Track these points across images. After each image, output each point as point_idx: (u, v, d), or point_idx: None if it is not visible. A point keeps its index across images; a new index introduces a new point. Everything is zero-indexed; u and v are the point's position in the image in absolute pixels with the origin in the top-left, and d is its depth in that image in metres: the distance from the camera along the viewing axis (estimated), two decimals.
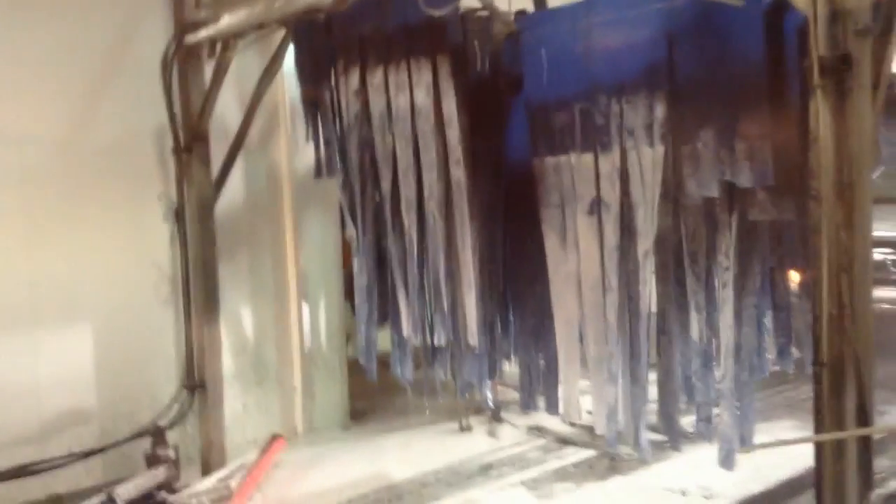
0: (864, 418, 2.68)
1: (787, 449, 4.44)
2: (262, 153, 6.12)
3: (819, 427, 2.72)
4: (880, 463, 4.40)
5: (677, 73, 3.86)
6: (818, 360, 2.71)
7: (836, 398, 2.67)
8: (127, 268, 5.42)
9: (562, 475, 5.20)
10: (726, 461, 3.85)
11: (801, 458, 4.55)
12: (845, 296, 2.66)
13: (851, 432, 2.52)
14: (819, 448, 2.70)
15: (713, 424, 4.10)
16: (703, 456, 4.87)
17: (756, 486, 4.73)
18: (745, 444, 3.88)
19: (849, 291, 2.64)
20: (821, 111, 2.70)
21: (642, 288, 3.96)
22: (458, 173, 4.53)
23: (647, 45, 3.94)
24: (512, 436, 5.94)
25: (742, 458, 3.93)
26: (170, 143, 5.41)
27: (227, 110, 5.68)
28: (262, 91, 5.51)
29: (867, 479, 2.75)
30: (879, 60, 2.76)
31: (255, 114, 5.53)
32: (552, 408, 4.74)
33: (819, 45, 2.70)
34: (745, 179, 3.71)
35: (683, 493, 4.81)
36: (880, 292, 5.11)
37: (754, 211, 3.82)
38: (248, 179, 6.04)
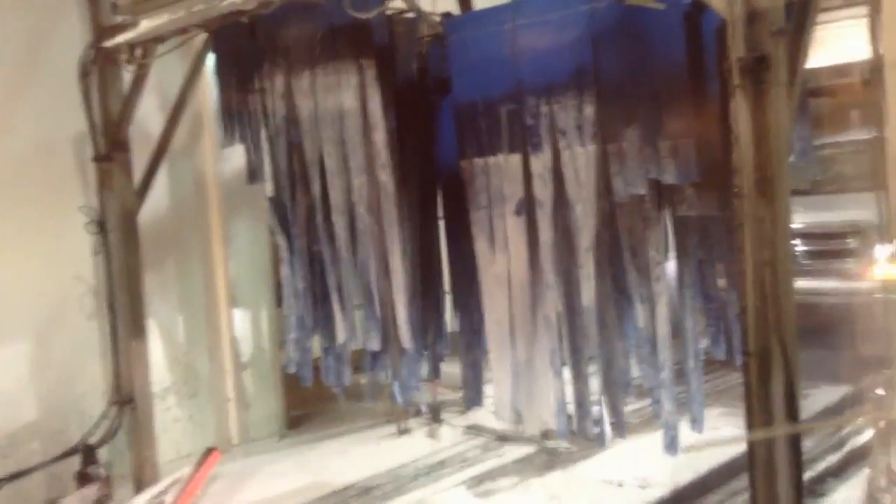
0: (791, 405, 2.77)
1: (717, 435, 4.62)
2: (186, 159, 6.00)
3: (750, 415, 2.80)
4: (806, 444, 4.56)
5: (602, 75, 3.93)
6: (745, 349, 2.79)
7: (764, 386, 2.75)
8: (49, 281, 5.24)
9: (502, 472, 5.25)
10: (670, 447, 3.95)
11: (726, 451, 4.76)
12: (769, 287, 2.74)
13: (781, 430, 2.61)
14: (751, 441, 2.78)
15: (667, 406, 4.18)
16: (638, 447, 4.99)
17: (689, 475, 4.84)
18: (697, 426, 4.01)
19: (772, 283, 2.73)
20: (741, 110, 2.77)
21: (585, 283, 4.01)
22: (385, 177, 4.51)
23: (573, 48, 4.00)
24: (451, 436, 5.96)
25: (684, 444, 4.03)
26: (89, 151, 5.25)
27: (149, 116, 5.54)
28: (186, 96, 5.40)
29: (797, 463, 2.84)
30: (794, 59, 2.85)
31: (179, 119, 5.41)
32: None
33: (737, 46, 2.78)
34: (670, 176, 3.79)
35: (620, 485, 4.90)
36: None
37: (682, 207, 3.92)
38: (174, 186, 5.92)
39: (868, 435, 4.79)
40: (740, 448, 4.38)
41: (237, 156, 5.71)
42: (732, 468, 4.87)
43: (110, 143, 5.17)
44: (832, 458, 4.98)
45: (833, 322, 6.15)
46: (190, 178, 6.03)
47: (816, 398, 6.07)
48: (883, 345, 5.14)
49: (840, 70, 5.65)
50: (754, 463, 2.79)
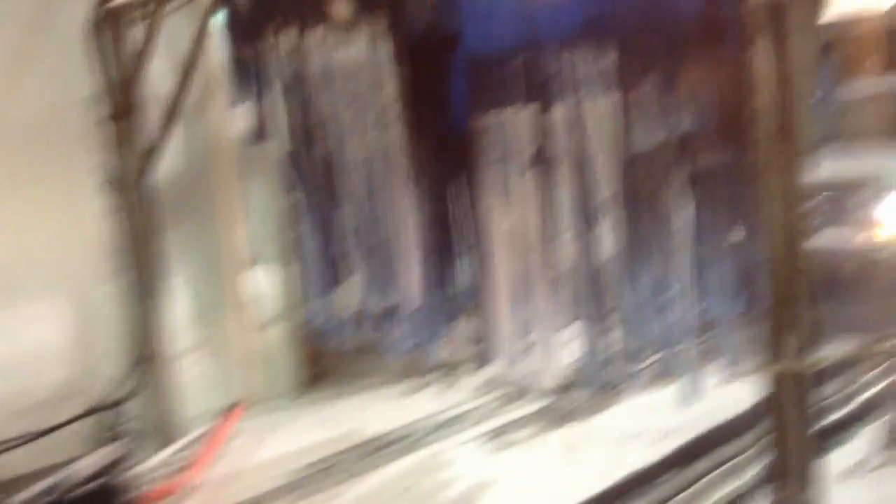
0: (808, 353, 2.77)
1: (732, 392, 4.62)
2: (199, 119, 5.96)
3: (772, 354, 2.80)
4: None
5: (621, 22, 3.86)
6: (769, 297, 2.78)
7: (782, 334, 2.74)
8: (63, 244, 5.25)
9: (519, 425, 5.28)
10: (693, 393, 3.96)
11: (744, 401, 4.76)
12: (791, 235, 2.71)
13: (813, 360, 2.61)
14: (770, 380, 2.78)
15: (678, 360, 4.18)
16: (655, 399, 5.00)
17: (706, 425, 4.85)
18: (735, 365, 4.01)
19: (793, 232, 2.70)
20: (761, 54, 2.72)
21: (606, 235, 4.00)
22: (397, 130, 4.48)
23: None
24: (469, 391, 5.99)
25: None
26: (98, 114, 5.23)
27: (159, 76, 5.49)
28: (196, 54, 5.33)
29: (810, 408, 2.84)
30: (815, 3, 2.79)
31: (190, 79, 5.37)
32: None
33: None
34: (689, 124, 3.74)
35: (638, 435, 4.92)
36: None
37: (701, 156, 3.87)
38: (187, 147, 5.89)
39: (883, 385, 4.81)
40: (756, 398, 4.44)
41: (250, 114, 5.69)
42: (748, 419, 4.89)
43: (123, 104, 5.16)
44: (851, 406, 4.98)
45: (846, 276, 6.08)
46: (203, 138, 6.00)
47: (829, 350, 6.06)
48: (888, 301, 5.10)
49: (857, 20, 5.54)
50: (777, 400, 2.80)
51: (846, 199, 6.63)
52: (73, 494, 4.24)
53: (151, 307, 5.22)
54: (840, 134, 6.60)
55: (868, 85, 6.55)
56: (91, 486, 4.28)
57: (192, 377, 5.79)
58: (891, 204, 5.91)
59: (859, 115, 6.47)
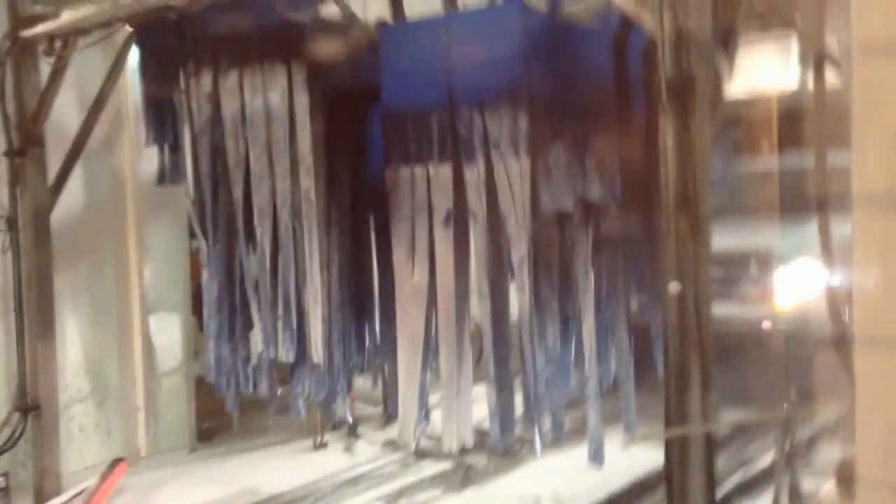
0: (707, 419, 2.82)
1: (632, 456, 4.68)
2: (104, 158, 5.79)
3: (667, 424, 2.83)
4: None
5: (534, 89, 3.95)
6: (666, 363, 2.82)
7: (682, 399, 2.79)
8: None
9: (419, 488, 5.18)
10: (596, 458, 3.98)
11: (644, 464, 4.83)
12: (690, 304, 2.78)
13: (702, 427, 2.65)
14: (669, 446, 2.81)
15: (564, 429, 4.21)
16: (555, 463, 5.01)
17: (604, 493, 4.87)
18: (630, 429, 4.05)
19: (693, 299, 2.77)
20: (667, 128, 2.82)
21: (518, 295, 4.01)
22: (308, 182, 4.44)
23: (506, 62, 4.01)
24: (369, 451, 5.86)
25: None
26: (1, 146, 5.02)
27: (66, 112, 5.33)
28: (106, 92, 5.22)
29: (711, 475, 2.88)
30: (718, 82, 2.92)
31: (98, 117, 5.23)
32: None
33: (665, 66, 2.82)
34: (596, 193, 3.84)
35: (537, 501, 4.89)
36: None
37: (606, 224, 3.97)
38: (89, 186, 5.70)
39: (772, 455, 4.92)
40: (653, 466, 4.49)
41: (157, 157, 5.55)
42: (646, 486, 4.95)
43: (24, 138, 4.97)
44: (738, 477, 5.09)
45: (732, 347, 6.25)
46: (107, 178, 5.82)
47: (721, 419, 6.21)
48: (779, 371, 5.26)
49: (757, 98, 5.83)
50: (671, 469, 2.82)
51: (737, 271, 6.89)
52: None
53: (39, 352, 4.94)
54: (734, 208, 6.90)
55: (762, 162, 6.89)
56: None
57: (78, 428, 5.50)
58: (779, 277, 6.14)
59: (753, 191, 6.77)
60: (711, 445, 2.81)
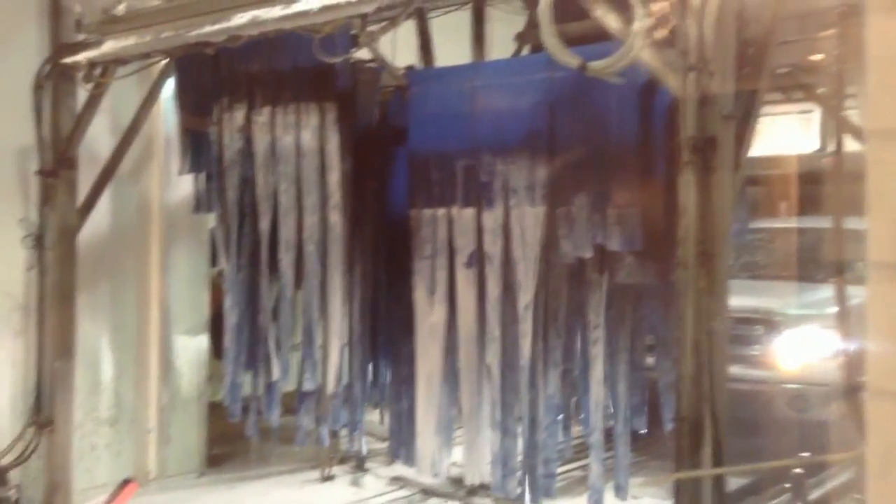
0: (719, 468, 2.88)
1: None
2: (132, 184, 5.93)
3: (677, 484, 2.89)
4: None
5: (556, 140, 4.08)
6: (679, 414, 2.89)
7: (694, 451, 2.85)
8: None
9: None
10: None
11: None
12: (705, 355, 2.85)
13: (711, 471, 2.70)
14: (678, 492, 2.86)
15: (554, 480, 4.24)
16: None
17: None
18: (622, 493, 4.07)
19: (708, 351, 2.84)
20: (688, 185, 2.92)
21: (522, 340, 4.09)
22: (336, 218, 4.57)
23: (530, 112, 4.15)
24: (375, 486, 5.89)
25: None
26: (34, 165, 5.17)
27: (99, 137, 5.49)
28: (140, 120, 5.38)
29: None
30: (740, 143, 3.03)
31: (130, 143, 5.38)
32: (411, 460, 4.75)
33: (688, 126, 2.94)
34: (615, 243, 3.93)
35: None
36: None
37: (622, 274, 4.05)
38: (116, 209, 5.83)
39: None
40: None
41: (183, 184, 5.70)
42: None
43: (57, 159, 5.11)
44: None
45: (739, 408, 6.25)
46: (134, 203, 5.95)
47: (729, 481, 6.20)
48: (787, 432, 5.29)
49: (775, 160, 5.95)
50: None
51: (745, 330, 6.91)
52: None
53: (58, 370, 5.03)
54: (749, 267, 6.97)
55: (779, 222, 6.98)
56: None
57: (89, 447, 5.57)
58: (786, 339, 6.16)
59: (767, 251, 6.86)
60: (723, 497, 2.86)
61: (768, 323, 6.16)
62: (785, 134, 5.37)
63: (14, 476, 4.85)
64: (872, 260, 1.19)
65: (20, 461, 4.93)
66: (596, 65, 3.22)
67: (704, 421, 2.82)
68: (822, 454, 4.23)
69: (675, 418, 2.92)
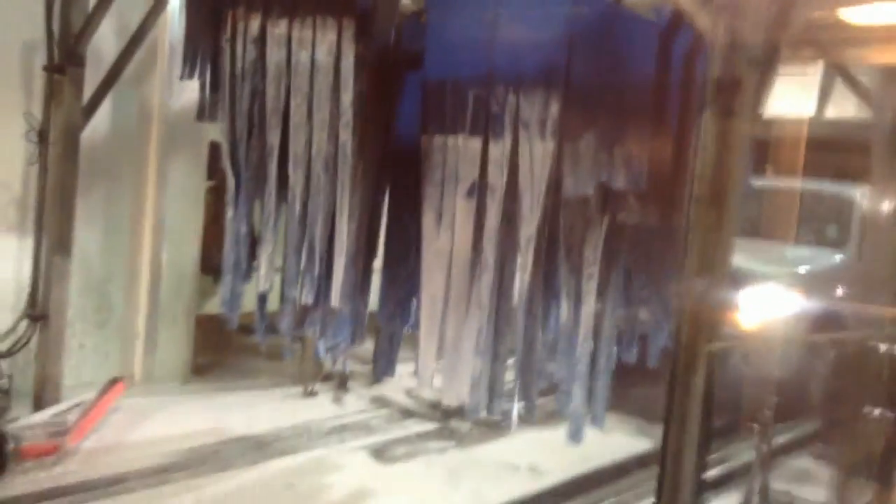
0: (708, 400, 3.03)
1: (609, 439, 4.91)
2: (134, 89, 5.89)
3: (671, 401, 3.04)
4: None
5: (572, 76, 4.13)
6: (678, 342, 3.03)
7: (688, 377, 3.00)
8: None
9: (404, 443, 5.39)
10: (575, 435, 4.17)
11: (622, 448, 5.07)
12: (706, 288, 2.99)
13: None
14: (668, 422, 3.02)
15: (570, 399, 4.39)
16: (537, 438, 5.24)
17: (582, 468, 5.09)
18: (598, 422, 4.24)
19: (712, 285, 2.98)
20: (709, 126, 3.02)
21: (520, 272, 4.19)
22: (346, 136, 4.59)
23: (548, 45, 4.18)
24: (356, 404, 6.05)
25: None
26: (41, 60, 5.12)
27: (105, 38, 5.44)
28: (148, 23, 5.33)
29: (703, 457, 3.10)
30: (761, 88, 3.11)
31: (137, 46, 5.33)
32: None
33: (716, 67, 3.02)
34: (619, 182, 4.03)
35: (516, 468, 5.11)
36: None
37: (622, 214, 4.16)
38: (116, 114, 5.80)
39: (748, 456, 5.16)
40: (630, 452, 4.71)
41: (185, 95, 5.67)
42: (622, 468, 5.19)
43: (66, 55, 5.06)
44: (713, 473, 5.32)
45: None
46: (134, 110, 5.93)
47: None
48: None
49: (776, 122, 6.06)
50: (668, 445, 3.03)
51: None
52: None
53: (55, 264, 5.06)
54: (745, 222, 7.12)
55: (776, 181, 7.12)
56: None
57: (78, 345, 5.63)
58: (760, 294, 6.34)
59: (762, 208, 7.01)
60: (709, 427, 3.03)
61: (748, 277, 6.35)
62: (788, 92, 5.47)
63: (4, 367, 4.90)
64: None
65: (14, 351, 4.99)
66: None
67: (700, 351, 2.96)
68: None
69: (674, 344, 3.05)
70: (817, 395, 6.33)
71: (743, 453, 5.19)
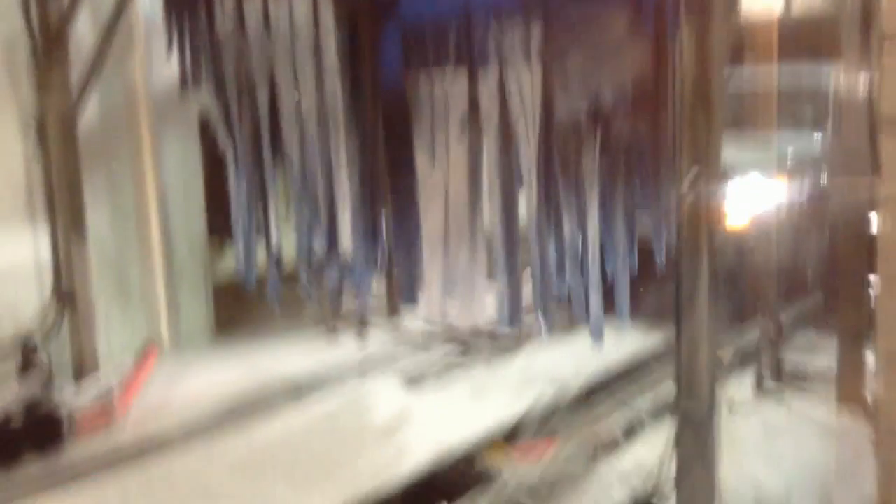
0: (714, 296, 3.26)
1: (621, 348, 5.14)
2: (117, 69, 5.95)
3: (679, 300, 3.27)
4: None
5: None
6: (679, 243, 3.25)
7: (693, 269, 3.23)
8: None
9: (429, 368, 5.67)
10: (597, 334, 4.40)
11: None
12: (703, 185, 3.20)
13: None
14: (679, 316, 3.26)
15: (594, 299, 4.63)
16: (555, 351, 5.52)
17: (597, 377, 5.39)
18: (624, 315, 4.47)
19: (705, 180, 3.18)
20: (688, 28, 3.18)
21: (525, 196, 4.37)
22: (335, 85, 4.73)
23: None
24: (379, 338, 6.32)
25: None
26: (23, 52, 5.19)
27: (80, 23, 5.49)
28: (123, 2, 5.38)
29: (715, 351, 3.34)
30: None
31: (117, 25, 5.38)
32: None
33: None
34: (606, 99, 4.19)
35: (539, 380, 5.39)
36: None
37: (614, 127, 4.32)
38: (103, 100, 5.87)
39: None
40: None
41: (167, 72, 5.73)
42: (632, 376, 5.48)
43: (51, 42, 5.14)
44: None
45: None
46: (120, 92, 6.00)
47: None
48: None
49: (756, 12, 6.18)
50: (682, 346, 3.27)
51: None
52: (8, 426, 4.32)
53: (74, 241, 5.25)
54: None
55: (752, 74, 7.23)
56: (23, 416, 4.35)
57: (105, 317, 5.84)
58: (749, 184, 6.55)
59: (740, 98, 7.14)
60: (719, 322, 3.26)
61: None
62: None
63: (46, 343, 5.11)
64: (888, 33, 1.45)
65: (50, 329, 5.19)
66: None
67: (703, 241, 3.19)
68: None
69: (676, 238, 3.27)
70: (817, 272, 6.65)
71: (753, 338, 5.50)
